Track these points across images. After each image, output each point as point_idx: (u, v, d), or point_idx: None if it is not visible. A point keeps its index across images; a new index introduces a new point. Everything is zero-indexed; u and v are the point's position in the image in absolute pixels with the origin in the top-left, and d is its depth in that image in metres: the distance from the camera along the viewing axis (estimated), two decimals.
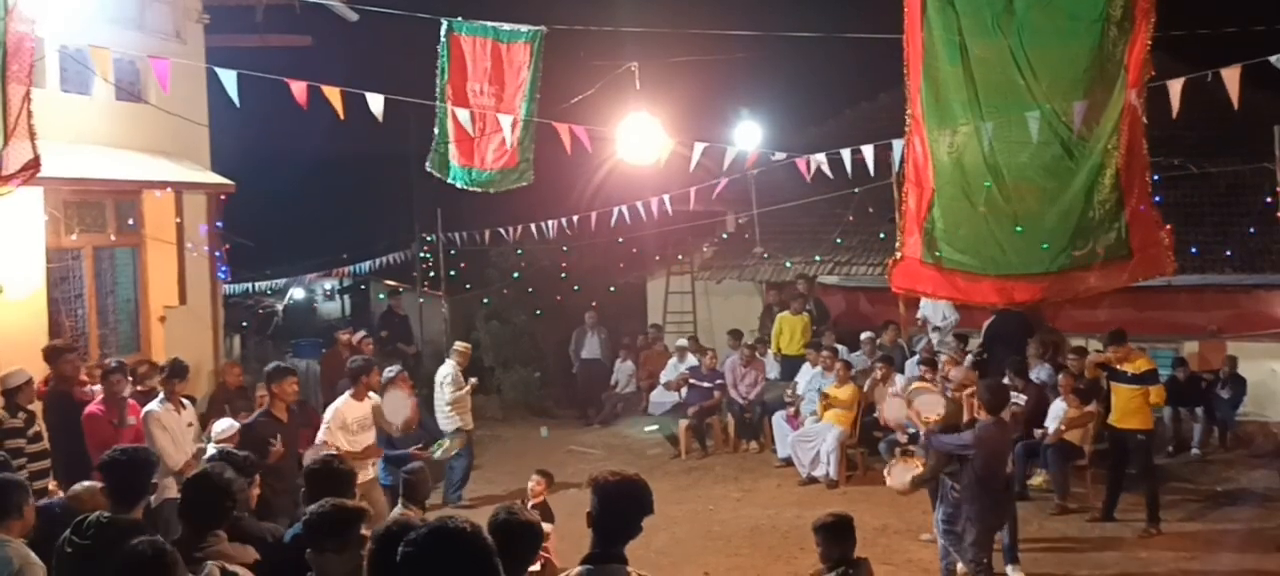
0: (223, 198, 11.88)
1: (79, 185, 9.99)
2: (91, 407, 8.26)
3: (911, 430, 10.27)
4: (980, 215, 8.48)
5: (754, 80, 21.48)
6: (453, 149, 10.51)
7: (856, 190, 13.22)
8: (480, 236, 17.30)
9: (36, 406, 8.32)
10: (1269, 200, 12.60)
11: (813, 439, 11.91)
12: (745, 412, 13.61)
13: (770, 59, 19.48)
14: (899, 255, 9.01)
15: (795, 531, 9.76)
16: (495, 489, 11.35)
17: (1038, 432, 10.68)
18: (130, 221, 11.13)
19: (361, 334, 13.88)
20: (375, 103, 8.73)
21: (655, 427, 14.44)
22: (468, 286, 18.49)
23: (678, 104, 13.38)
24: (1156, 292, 11.89)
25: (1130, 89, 7.77)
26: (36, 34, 7.34)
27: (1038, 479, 10.97)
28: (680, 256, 17.26)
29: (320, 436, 8.60)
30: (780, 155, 11.03)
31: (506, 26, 10.47)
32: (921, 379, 10.88)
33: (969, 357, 11.66)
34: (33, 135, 7.08)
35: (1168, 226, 8.23)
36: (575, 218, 14.92)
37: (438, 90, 10.28)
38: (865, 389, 12.13)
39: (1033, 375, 11.53)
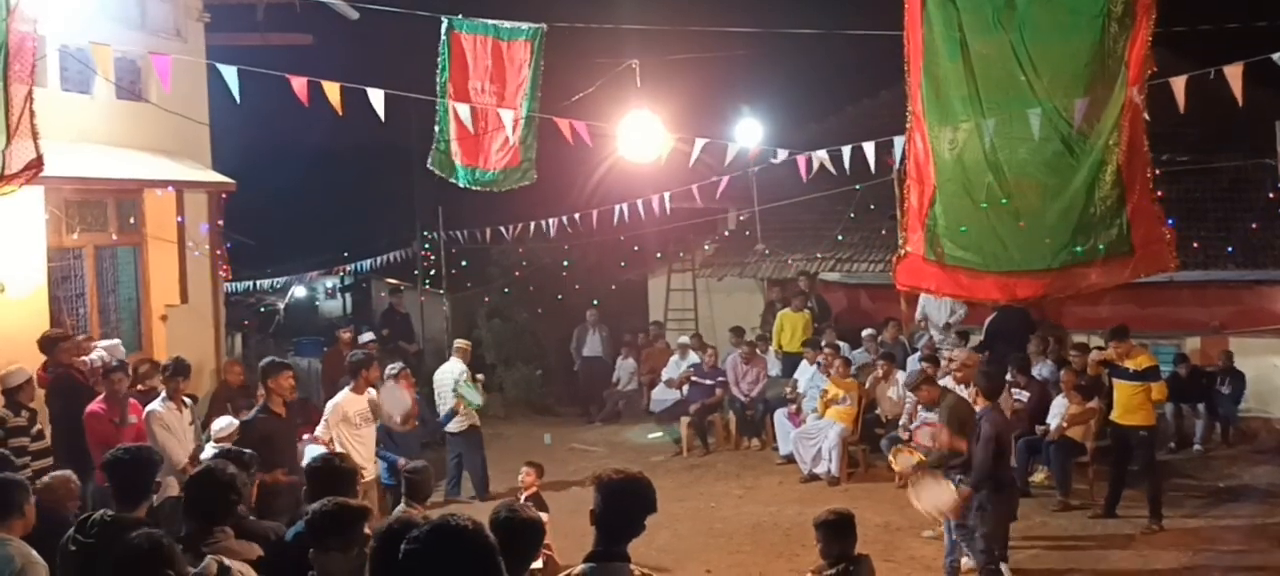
0: (224, 196, 11.89)
1: (80, 184, 10.00)
2: (93, 406, 8.24)
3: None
4: (982, 212, 8.45)
5: (755, 77, 21.47)
6: (457, 149, 10.49)
7: (858, 187, 13.19)
8: (481, 234, 17.32)
9: (39, 403, 8.33)
10: (1271, 195, 12.61)
11: (814, 436, 11.91)
12: (747, 410, 13.60)
13: (771, 56, 19.50)
14: (903, 252, 8.99)
15: (797, 528, 9.74)
16: (497, 486, 11.35)
17: (1040, 429, 10.69)
18: (131, 220, 11.15)
19: (368, 337, 13.86)
20: (376, 99, 8.73)
21: (659, 434, 14.35)
22: (469, 284, 18.50)
23: (678, 101, 13.35)
24: (1159, 289, 11.86)
25: (1131, 86, 7.73)
26: (38, 33, 7.35)
27: (1040, 475, 10.96)
28: (681, 254, 17.24)
29: (320, 431, 8.64)
30: (781, 152, 11.03)
31: (507, 24, 10.45)
32: (922, 375, 10.80)
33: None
34: (35, 134, 7.09)
35: (1170, 222, 8.22)
36: (577, 215, 14.90)
37: (438, 88, 10.26)
38: (866, 386, 12.13)
39: (1035, 371, 11.55)
